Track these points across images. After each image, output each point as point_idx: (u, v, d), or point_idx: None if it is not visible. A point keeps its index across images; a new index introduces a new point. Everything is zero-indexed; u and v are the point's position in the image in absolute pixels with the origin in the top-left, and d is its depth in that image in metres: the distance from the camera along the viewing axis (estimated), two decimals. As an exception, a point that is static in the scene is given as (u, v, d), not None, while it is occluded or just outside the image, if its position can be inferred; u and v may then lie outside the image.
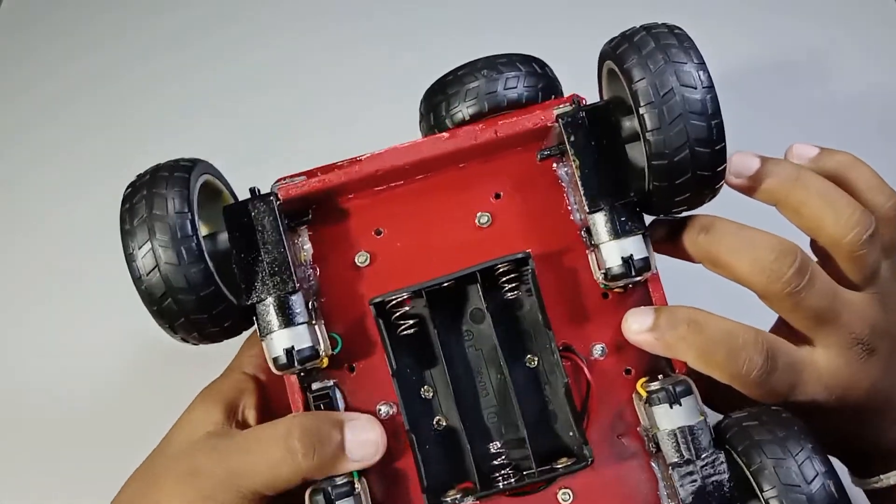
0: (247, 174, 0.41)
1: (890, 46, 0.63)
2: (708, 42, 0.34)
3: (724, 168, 0.35)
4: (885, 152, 0.45)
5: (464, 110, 0.42)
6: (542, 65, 0.45)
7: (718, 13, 0.66)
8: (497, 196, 0.40)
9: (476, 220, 0.39)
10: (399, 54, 0.68)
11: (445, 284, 0.37)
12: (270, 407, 0.41)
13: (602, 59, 0.38)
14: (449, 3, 0.71)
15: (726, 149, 0.34)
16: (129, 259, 0.34)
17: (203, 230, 0.40)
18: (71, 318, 0.61)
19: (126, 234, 0.35)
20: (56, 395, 0.59)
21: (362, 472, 0.36)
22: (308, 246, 0.39)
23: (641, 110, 0.34)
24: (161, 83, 0.70)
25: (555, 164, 0.39)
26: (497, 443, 0.37)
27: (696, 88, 0.33)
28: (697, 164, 0.34)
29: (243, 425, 0.39)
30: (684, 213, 0.37)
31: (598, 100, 0.40)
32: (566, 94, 0.40)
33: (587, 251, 0.38)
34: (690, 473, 0.35)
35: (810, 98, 0.62)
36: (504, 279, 0.37)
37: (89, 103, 0.70)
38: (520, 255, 0.36)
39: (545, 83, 0.43)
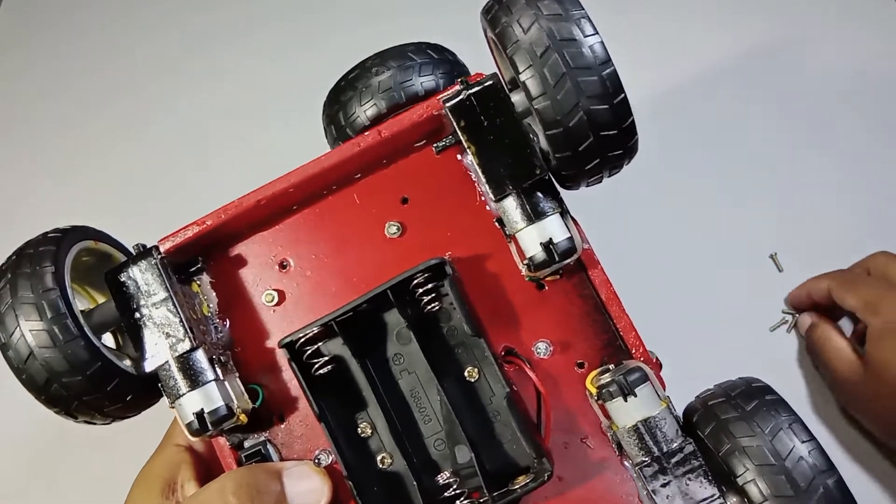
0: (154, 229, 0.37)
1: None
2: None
3: (632, 122, 0.30)
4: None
5: (362, 115, 0.39)
6: (441, 50, 0.41)
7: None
8: (404, 201, 0.36)
9: (386, 232, 0.36)
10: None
11: (360, 309, 0.33)
12: (212, 476, 0.37)
13: (484, 30, 0.34)
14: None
15: (627, 100, 0.30)
16: (3, 349, 0.31)
17: (97, 298, 0.37)
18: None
19: None
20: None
21: None
22: (212, 296, 0.36)
23: (522, 77, 0.30)
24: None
25: (459, 155, 0.36)
26: (447, 472, 0.33)
27: (576, 40, 0.29)
28: (597, 125, 0.30)
29: None
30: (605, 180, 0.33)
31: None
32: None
33: (508, 242, 0.34)
34: (662, 471, 0.31)
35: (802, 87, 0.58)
36: (421, 291, 0.33)
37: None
38: (433, 262, 0.33)
39: (446, 69, 0.40)
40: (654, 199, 0.56)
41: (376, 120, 0.38)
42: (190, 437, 0.33)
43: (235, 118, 0.63)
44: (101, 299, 0.37)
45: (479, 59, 0.40)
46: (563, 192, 0.34)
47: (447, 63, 0.41)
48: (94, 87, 0.68)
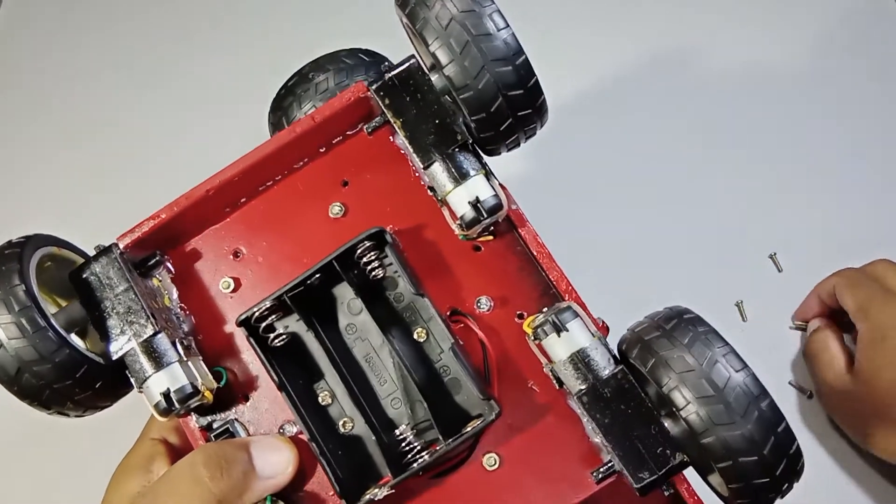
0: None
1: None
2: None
3: (536, 81, 0.34)
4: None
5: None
6: (372, 54, 0.44)
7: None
8: (345, 184, 0.39)
9: (329, 213, 0.38)
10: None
11: (308, 282, 0.35)
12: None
13: (400, 19, 0.37)
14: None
15: (529, 61, 0.33)
16: (-26, 346, 0.33)
17: (62, 304, 0.39)
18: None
19: None
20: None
21: (284, 494, 0.35)
22: (172, 288, 0.38)
23: (432, 48, 0.33)
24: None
25: (391, 137, 0.39)
26: (405, 427, 0.35)
27: (475, 12, 0.33)
28: (504, 85, 0.33)
29: None
30: (523, 144, 0.36)
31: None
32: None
33: (440, 208, 0.37)
34: (598, 398, 0.33)
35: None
36: (365, 260, 0.36)
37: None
38: (373, 230, 0.35)
39: (377, 70, 0.43)
40: (654, 199, 0.58)
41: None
42: (159, 417, 0.35)
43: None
44: (65, 304, 0.39)
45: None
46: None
47: (378, 64, 0.44)
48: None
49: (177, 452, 0.40)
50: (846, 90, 0.60)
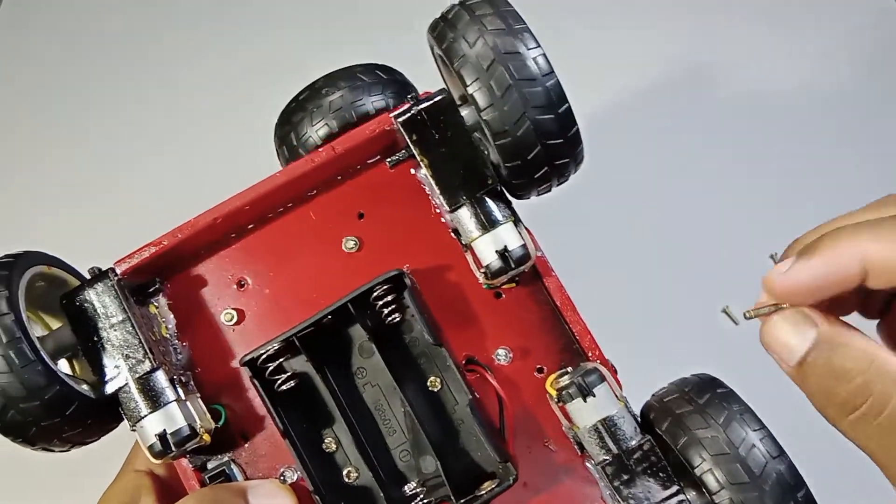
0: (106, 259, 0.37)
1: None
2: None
3: (577, 131, 0.32)
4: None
5: (314, 135, 0.39)
6: (390, 71, 0.42)
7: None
8: (360, 216, 0.36)
9: (343, 247, 0.36)
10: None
11: (322, 323, 0.33)
12: (174, 499, 0.37)
13: (431, 47, 0.35)
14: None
15: (571, 110, 0.31)
16: (-43, 377, 0.31)
17: (54, 325, 0.37)
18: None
19: None
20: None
21: None
22: (170, 317, 0.36)
23: (470, 90, 0.31)
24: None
25: (412, 169, 0.36)
26: (413, 482, 0.34)
27: (520, 53, 0.30)
28: (543, 134, 0.31)
29: None
30: (554, 189, 0.34)
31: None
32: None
33: (464, 252, 0.35)
34: (623, 469, 0.31)
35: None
36: (381, 303, 0.34)
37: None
38: (392, 273, 0.33)
39: (395, 89, 0.41)
40: (653, 203, 0.56)
41: (328, 139, 0.39)
42: (153, 459, 0.32)
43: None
44: (55, 325, 0.37)
45: (425, 80, 0.42)
46: (520, 203, 0.35)
47: (396, 83, 0.41)
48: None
49: (162, 485, 0.38)
50: (851, 101, 0.60)
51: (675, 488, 0.31)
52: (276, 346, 0.33)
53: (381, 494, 0.33)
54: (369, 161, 0.36)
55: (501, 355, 0.35)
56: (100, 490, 0.38)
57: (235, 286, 0.36)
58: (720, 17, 0.63)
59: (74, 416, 0.32)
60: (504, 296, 0.35)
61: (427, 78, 0.41)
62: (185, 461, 0.34)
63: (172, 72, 0.67)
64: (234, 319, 0.36)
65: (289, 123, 0.41)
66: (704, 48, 0.62)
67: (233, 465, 0.35)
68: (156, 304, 0.36)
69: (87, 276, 0.34)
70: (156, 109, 0.65)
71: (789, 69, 0.61)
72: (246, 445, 0.35)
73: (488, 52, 0.30)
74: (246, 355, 0.33)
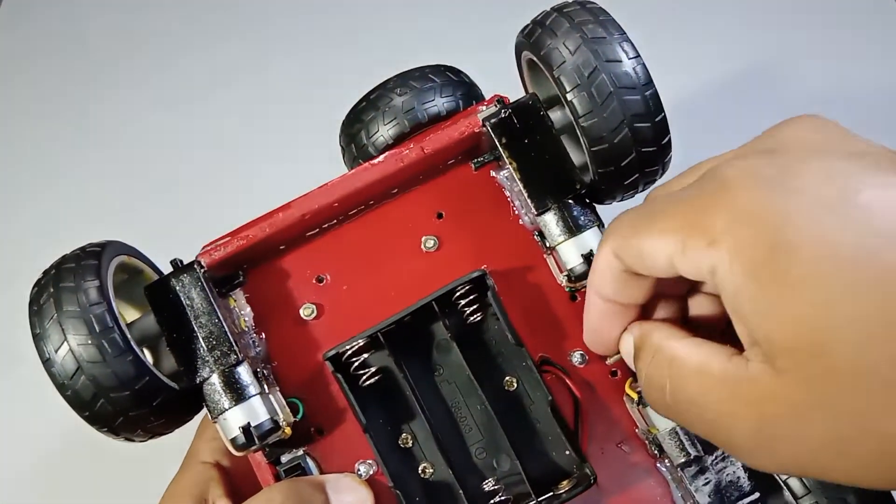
0: (168, 247, 0.37)
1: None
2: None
3: (669, 139, 0.32)
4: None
5: (385, 133, 0.39)
6: (457, 72, 0.42)
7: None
8: (440, 216, 0.37)
9: (422, 246, 0.36)
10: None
11: (403, 320, 0.34)
12: (240, 492, 0.37)
13: (519, 50, 0.36)
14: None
15: (667, 119, 0.32)
16: (48, 365, 0.31)
17: (129, 315, 0.37)
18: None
19: (39, 340, 0.31)
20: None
21: None
22: (248, 310, 0.36)
23: (569, 96, 0.31)
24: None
25: (492, 172, 0.37)
26: (491, 480, 0.34)
27: (621, 62, 0.31)
28: (640, 141, 0.31)
29: None
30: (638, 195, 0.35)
31: (523, 95, 0.37)
32: (487, 97, 0.38)
33: (544, 255, 0.35)
34: (702, 471, 0.32)
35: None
36: (464, 303, 0.34)
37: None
38: (475, 274, 0.33)
39: (464, 91, 0.41)
40: None
41: (398, 139, 0.39)
42: (235, 452, 0.33)
43: (251, 139, 0.63)
44: (130, 314, 0.37)
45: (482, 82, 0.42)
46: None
47: (465, 85, 0.42)
48: (97, 102, 0.67)
49: (229, 477, 0.38)
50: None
51: (756, 495, 0.31)
52: (362, 341, 0.33)
53: (460, 490, 0.33)
54: (449, 161, 0.37)
55: (577, 358, 0.35)
56: (161, 481, 0.38)
57: (314, 281, 0.36)
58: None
59: (160, 407, 0.32)
60: (579, 299, 0.36)
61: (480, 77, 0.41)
62: (259, 455, 0.34)
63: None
64: (314, 314, 0.36)
65: (359, 121, 0.41)
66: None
67: (308, 459, 0.35)
68: (234, 296, 0.36)
69: (163, 269, 0.34)
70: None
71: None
72: (320, 439, 0.35)
73: (590, 59, 0.31)
74: (329, 350, 0.33)
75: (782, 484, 0.30)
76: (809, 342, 0.20)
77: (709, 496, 0.32)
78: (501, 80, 0.40)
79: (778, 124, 0.24)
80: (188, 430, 0.38)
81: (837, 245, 0.20)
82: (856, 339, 0.20)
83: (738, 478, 0.32)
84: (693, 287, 0.28)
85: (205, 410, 0.35)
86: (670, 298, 0.28)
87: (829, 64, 0.62)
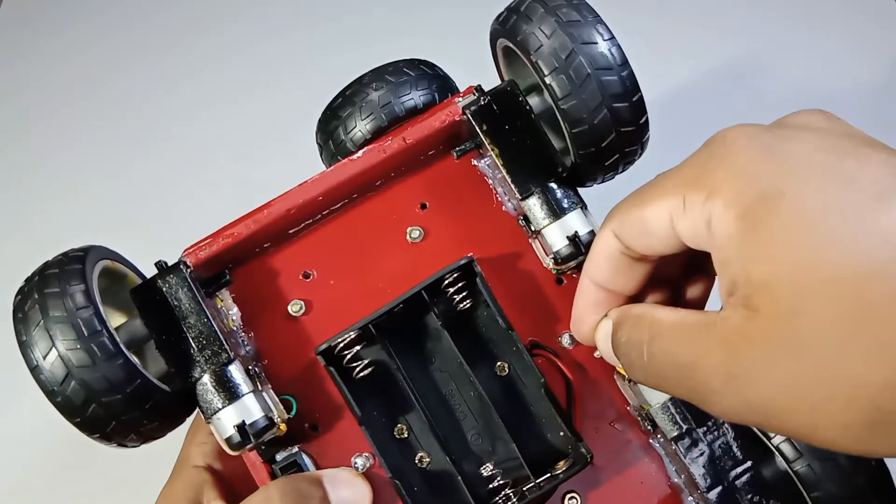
0: (149, 252, 0.37)
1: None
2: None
3: (647, 119, 0.33)
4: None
5: (363, 129, 0.40)
6: (432, 66, 0.43)
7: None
8: (423, 206, 0.37)
9: (408, 237, 0.37)
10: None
11: (393, 311, 0.34)
12: (234, 494, 0.37)
13: (494, 38, 0.36)
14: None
15: (643, 98, 0.32)
16: (36, 373, 0.30)
17: (114, 320, 0.36)
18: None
19: (25, 347, 0.30)
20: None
21: None
22: (235, 310, 0.36)
23: (548, 79, 0.32)
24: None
25: (474, 160, 0.37)
26: (488, 465, 0.34)
27: (597, 43, 0.31)
28: (619, 121, 0.32)
29: None
30: (617, 177, 0.36)
31: (500, 83, 0.38)
32: (462, 89, 0.38)
33: (529, 240, 0.36)
34: (695, 444, 0.33)
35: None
36: (452, 291, 0.35)
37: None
38: (463, 262, 0.34)
39: (439, 83, 0.41)
40: None
41: (376, 133, 0.39)
42: (230, 451, 0.32)
43: (226, 139, 0.63)
44: (115, 320, 0.36)
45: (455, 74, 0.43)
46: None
47: (439, 78, 0.42)
48: (86, 100, 0.67)
49: (222, 480, 0.37)
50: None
51: (748, 463, 0.32)
52: (354, 334, 0.33)
53: (458, 477, 0.33)
54: (430, 152, 0.37)
55: (566, 339, 0.36)
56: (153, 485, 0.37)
57: (301, 277, 0.36)
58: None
59: (153, 410, 0.32)
60: (566, 282, 0.36)
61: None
62: (253, 454, 0.34)
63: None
64: (303, 310, 0.36)
65: (336, 118, 0.41)
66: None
67: (304, 456, 0.35)
68: (220, 296, 0.36)
69: (146, 273, 0.34)
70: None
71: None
72: (314, 435, 0.35)
73: (566, 42, 0.31)
74: (321, 345, 0.33)
75: (774, 449, 0.31)
76: (787, 281, 0.21)
77: (703, 467, 0.32)
78: (475, 73, 0.41)
79: (788, 114, 0.25)
80: (178, 436, 0.37)
81: (823, 194, 0.21)
82: (829, 290, 0.20)
83: (731, 448, 0.32)
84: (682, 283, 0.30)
85: (193, 416, 0.35)
86: (657, 293, 0.30)
87: (829, 63, 0.63)
